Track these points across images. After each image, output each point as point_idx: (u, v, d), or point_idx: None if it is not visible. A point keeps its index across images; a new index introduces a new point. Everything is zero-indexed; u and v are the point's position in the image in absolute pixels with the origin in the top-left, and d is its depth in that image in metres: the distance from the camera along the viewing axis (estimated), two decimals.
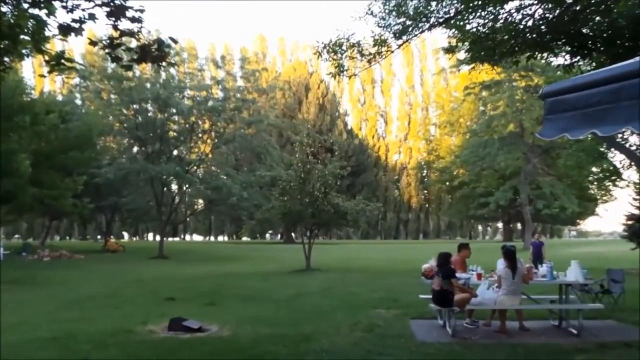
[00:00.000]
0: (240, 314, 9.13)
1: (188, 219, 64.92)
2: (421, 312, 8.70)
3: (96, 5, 5.36)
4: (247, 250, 39.54)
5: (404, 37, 10.64)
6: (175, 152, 36.70)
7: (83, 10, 5.38)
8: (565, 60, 10.08)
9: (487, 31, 9.57)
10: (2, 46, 5.96)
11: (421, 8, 10.11)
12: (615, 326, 7.98)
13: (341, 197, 21.31)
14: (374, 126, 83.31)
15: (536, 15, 9.27)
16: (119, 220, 54.95)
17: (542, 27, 9.18)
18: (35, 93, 33.38)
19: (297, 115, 67.86)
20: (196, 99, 33.99)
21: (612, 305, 9.21)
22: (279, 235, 72.13)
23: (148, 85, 33.47)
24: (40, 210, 33.76)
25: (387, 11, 10.48)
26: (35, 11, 5.76)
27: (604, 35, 8.99)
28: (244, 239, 76.30)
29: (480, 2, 9.02)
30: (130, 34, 5.58)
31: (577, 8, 8.69)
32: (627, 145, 16.09)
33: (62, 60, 5.96)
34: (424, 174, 77.99)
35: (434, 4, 9.97)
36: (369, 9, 10.71)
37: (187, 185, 36.36)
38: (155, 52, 5.84)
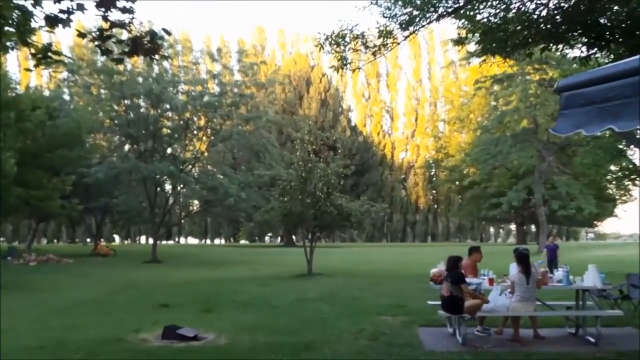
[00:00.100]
0: (238, 321, 9.14)
1: (183, 221, 65.03)
2: (430, 319, 8.70)
3: None
4: (245, 254, 39.56)
5: (411, 28, 10.64)
6: (169, 150, 36.73)
7: (71, 0, 5.39)
8: (582, 52, 10.07)
9: (498, 21, 9.57)
10: None
11: None
12: (635, 334, 7.96)
13: (345, 198, 21.31)
14: (379, 122, 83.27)
15: (551, 5, 9.26)
16: (109, 222, 55.11)
17: (557, 17, 9.17)
18: (21, 88, 33.50)
19: (297, 111, 67.83)
20: (191, 94, 33.98)
21: (632, 312, 9.19)
22: (279, 238, 72.18)
23: (140, 79, 33.47)
24: (26, 212, 33.81)
25: (392, 1, 10.48)
26: (21, 1, 5.77)
27: (623, 25, 8.97)
28: (242, 242, 76.38)
29: None
30: (121, 25, 5.58)
31: None
32: None
33: (49, 53, 5.96)
34: (432, 173, 77.90)
35: None
36: None
37: (181, 185, 36.37)
38: (148, 45, 5.84)
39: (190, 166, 35.84)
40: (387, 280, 17.19)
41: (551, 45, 9.88)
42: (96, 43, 5.99)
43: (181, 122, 34.77)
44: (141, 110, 33.99)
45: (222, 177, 36.45)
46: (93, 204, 36.29)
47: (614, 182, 26.48)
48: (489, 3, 9.43)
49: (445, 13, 10.18)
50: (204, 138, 36.07)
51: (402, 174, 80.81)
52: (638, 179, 23.90)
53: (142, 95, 32.84)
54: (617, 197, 46.23)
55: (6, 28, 5.89)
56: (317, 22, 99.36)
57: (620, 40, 9.28)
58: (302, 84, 71.64)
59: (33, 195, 27.97)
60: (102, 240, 45.49)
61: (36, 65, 6.22)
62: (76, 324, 9.24)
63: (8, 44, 6.44)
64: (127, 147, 37.43)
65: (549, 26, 9.29)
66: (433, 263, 9.24)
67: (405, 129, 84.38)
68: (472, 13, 9.78)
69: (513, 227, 78.67)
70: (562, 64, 28.04)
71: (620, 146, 20.98)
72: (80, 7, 5.38)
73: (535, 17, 9.28)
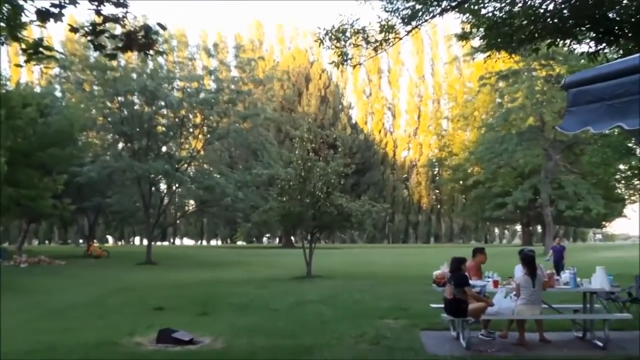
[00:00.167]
0: (235, 325, 9.16)
1: (178, 222, 65.07)
2: (432, 322, 8.71)
3: None
4: (242, 256, 39.56)
5: (414, 23, 10.63)
6: (164, 149, 36.70)
7: None
8: (590, 47, 10.06)
9: (504, 16, 9.56)
10: None
11: None
12: None
13: (345, 198, 21.33)
14: (381, 120, 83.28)
15: None
16: (102, 223, 55.06)
17: (564, 11, 9.17)
18: (11, 84, 33.42)
19: (296, 108, 67.87)
20: (187, 91, 33.97)
21: None
22: (277, 239, 72.21)
23: (134, 75, 33.45)
24: (16, 212, 33.77)
25: None
26: None
27: (632, 19, 8.97)
28: (239, 243, 76.34)
29: None
30: (115, 19, 5.59)
31: None
32: None
33: (41, 49, 5.97)
34: (435, 172, 77.92)
35: None
36: None
37: (177, 185, 36.34)
38: (142, 40, 5.85)
39: (185, 165, 35.83)
40: (389, 283, 17.21)
41: (558, 40, 9.88)
42: (89, 38, 6.00)
43: (176, 120, 34.75)
44: (135, 108, 33.96)
45: (218, 176, 36.41)
46: (86, 204, 36.24)
47: (623, 182, 26.53)
48: None
49: (449, 7, 10.17)
50: (200, 136, 36.06)
51: (404, 173, 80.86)
52: None
53: (136, 92, 32.81)
54: (626, 197, 46.20)
55: None
56: (317, 17, 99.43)
57: (630, 35, 9.27)
58: (301, 81, 71.64)
59: (24, 194, 27.94)
60: (95, 241, 45.43)
61: (27, 61, 6.22)
62: (68, 327, 9.25)
63: None
64: (120, 145, 37.38)
65: (556, 20, 9.28)
66: (436, 265, 9.24)
67: (408, 127, 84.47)
68: (476, 7, 9.78)
69: (518, 228, 78.81)
70: (570, 60, 28.10)
71: (630, 144, 20.99)
72: (73, 1, 5.39)
73: (541, 11, 9.28)
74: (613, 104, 3.12)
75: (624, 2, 9.01)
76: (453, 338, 7.85)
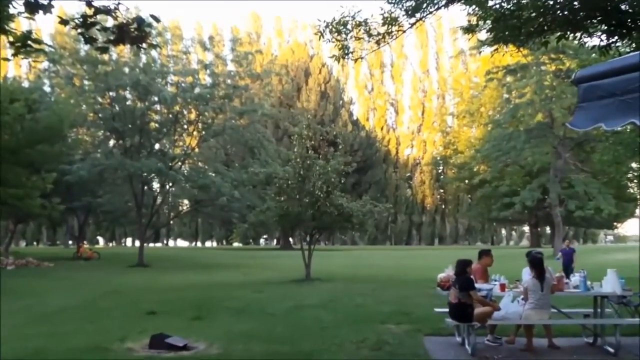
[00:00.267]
0: (231, 330, 9.16)
1: (172, 222, 65.04)
2: (436, 327, 8.72)
3: None
4: (238, 257, 39.60)
5: (418, 15, 10.62)
6: (157, 146, 36.73)
7: None
8: (601, 40, 10.04)
9: (512, 8, 9.55)
10: None
11: None
12: None
13: (345, 197, 21.32)
14: (383, 116, 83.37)
15: None
16: (93, 223, 55.10)
17: (575, 2, 9.16)
18: None
19: (295, 104, 67.90)
20: (181, 86, 33.99)
21: None
22: (275, 241, 72.30)
23: (126, 70, 33.46)
24: (3, 212, 33.80)
25: None
26: None
27: None
28: (235, 244, 76.40)
29: None
30: (106, 11, 5.59)
31: None
32: None
33: (29, 42, 5.97)
34: (439, 171, 78.05)
35: None
36: None
37: (170, 184, 36.39)
38: (135, 33, 5.85)
39: (179, 163, 35.86)
40: (391, 286, 17.20)
41: (568, 33, 9.87)
42: (79, 30, 5.99)
43: (170, 116, 34.77)
44: (127, 103, 33.97)
45: (214, 174, 36.45)
46: (75, 204, 36.27)
47: (635, 181, 26.50)
48: None
49: None
50: (195, 133, 36.08)
51: (407, 171, 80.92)
52: None
53: (128, 87, 32.82)
54: (638, 196, 46.31)
55: None
56: (317, 9, 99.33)
57: None
58: (301, 75, 71.66)
59: (11, 194, 27.94)
60: (85, 242, 45.51)
61: (15, 55, 6.22)
62: (57, 332, 9.25)
63: None
64: (112, 142, 37.41)
65: (566, 13, 9.28)
66: (440, 267, 9.25)
67: (411, 124, 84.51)
68: None
69: (526, 229, 78.88)
70: (580, 54, 28.04)
71: None
72: None
73: (551, 2, 9.27)
74: (625, 99, 3.12)
75: None
76: (458, 344, 7.86)
